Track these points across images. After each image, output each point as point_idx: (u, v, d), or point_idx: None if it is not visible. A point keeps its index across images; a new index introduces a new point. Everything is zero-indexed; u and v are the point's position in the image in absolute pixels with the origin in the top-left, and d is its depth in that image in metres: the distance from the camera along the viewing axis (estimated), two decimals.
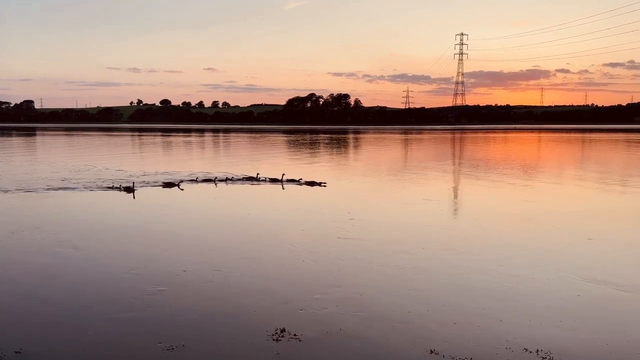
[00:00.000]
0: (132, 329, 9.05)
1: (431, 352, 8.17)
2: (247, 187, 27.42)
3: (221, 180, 28.81)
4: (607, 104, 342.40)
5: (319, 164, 42.87)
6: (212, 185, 27.94)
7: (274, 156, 53.23)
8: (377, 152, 61.67)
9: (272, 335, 8.80)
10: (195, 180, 28.84)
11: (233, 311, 9.85)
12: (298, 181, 28.07)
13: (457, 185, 30.00)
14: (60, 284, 11.37)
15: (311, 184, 27.34)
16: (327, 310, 9.87)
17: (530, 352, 8.14)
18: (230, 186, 27.65)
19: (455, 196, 25.74)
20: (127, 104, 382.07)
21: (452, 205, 22.78)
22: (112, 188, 25.89)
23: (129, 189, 25.15)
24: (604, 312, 9.88)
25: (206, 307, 10.02)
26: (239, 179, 29.52)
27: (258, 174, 30.21)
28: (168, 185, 27.21)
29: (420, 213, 20.19)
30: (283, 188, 26.69)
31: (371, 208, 21.27)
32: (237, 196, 24.72)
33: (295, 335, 8.78)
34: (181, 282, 11.51)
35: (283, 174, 29.05)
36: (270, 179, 29.12)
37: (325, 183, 27.39)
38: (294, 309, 9.94)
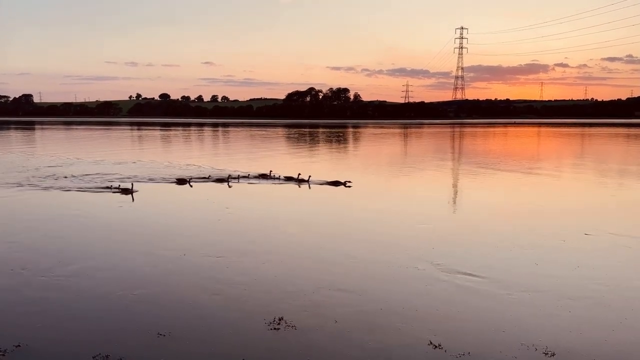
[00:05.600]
0: (129, 319, 9.09)
1: (434, 346, 8.17)
2: (261, 186, 25.67)
3: (233, 178, 27.41)
4: (606, 98, 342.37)
5: (328, 161, 42.87)
6: (221, 181, 26.77)
7: (280, 152, 53.18)
8: (385, 147, 61.65)
9: (270, 323, 8.85)
10: (207, 178, 27.41)
11: (233, 300, 9.87)
12: (307, 180, 26.37)
13: (466, 181, 30.04)
14: (57, 281, 11.37)
15: (335, 183, 25.54)
16: (327, 303, 9.90)
17: (528, 347, 8.15)
18: (242, 184, 26.17)
19: (459, 192, 25.76)
20: (126, 98, 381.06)
21: (456, 200, 22.80)
22: (109, 188, 23.96)
23: (127, 191, 23.04)
24: (604, 309, 9.87)
25: (207, 296, 10.05)
26: (254, 177, 28.02)
27: (271, 171, 28.75)
28: (180, 182, 26.25)
29: (428, 209, 20.20)
30: (299, 187, 25.23)
31: (386, 205, 21.31)
32: (251, 195, 23.95)
33: (293, 325, 8.79)
34: (180, 272, 11.53)
35: (299, 174, 27.29)
36: (285, 177, 27.67)
37: (350, 182, 25.45)
38: (294, 300, 9.96)
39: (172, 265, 12.19)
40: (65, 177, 28.31)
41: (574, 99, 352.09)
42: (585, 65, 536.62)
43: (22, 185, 25.26)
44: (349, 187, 24.69)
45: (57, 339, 8.37)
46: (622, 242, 14.44)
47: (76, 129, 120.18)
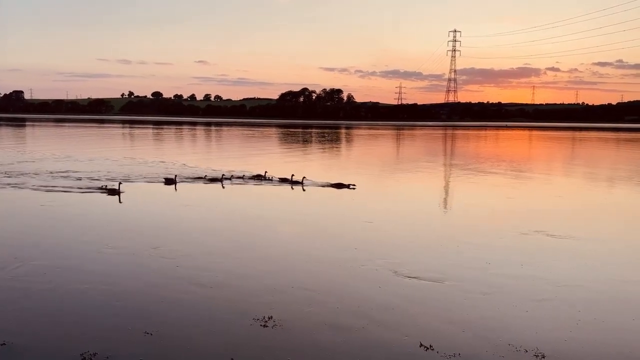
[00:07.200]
0: (112, 317, 8.98)
1: (425, 348, 8.16)
2: (254, 187, 24.93)
3: (226, 179, 26.60)
4: (597, 102, 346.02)
5: (324, 162, 42.85)
6: (214, 181, 26.20)
7: (274, 153, 53.12)
8: (379, 149, 61.78)
9: (260, 321, 8.82)
10: (202, 178, 26.87)
11: (221, 299, 9.80)
12: (301, 182, 25.56)
13: (455, 184, 30.20)
14: (36, 277, 11.22)
15: (338, 186, 24.81)
16: (319, 303, 9.86)
17: (517, 349, 8.16)
18: (235, 185, 25.44)
19: (446, 194, 25.88)
20: (118, 95, 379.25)
21: (447, 200, 22.87)
22: (97, 189, 22.89)
23: (114, 191, 22.01)
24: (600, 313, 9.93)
25: (193, 295, 9.96)
26: (248, 178, 27.33)
27: (266, 172, 27.91)
28: (168, 182, 25.42)
29: (419, 209, 20.22)
30: (293, 189, 24.51)
31: (386, 208, 21.33)
32: (243, 196, 23.74)
33: (282, 324, 8.76)
34: (165, 270, 11.45)
35: (292, 175, 26.40)
36: (280, 178, 26.84)
37: (354, 185, 24.65)
38: (284, 299, 9.91)
39: (156, 264, 12.08)
40: (54, 175, 28.02)
41: (565, 102, 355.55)
42: (576, 69, 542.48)
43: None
44: (353, 189, 24.14)
45: (43, 337, 8.27)
46: (560, 242, 14.64)
47: (67, 126, 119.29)
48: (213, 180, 26.59)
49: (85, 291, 10.25)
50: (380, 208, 19.95)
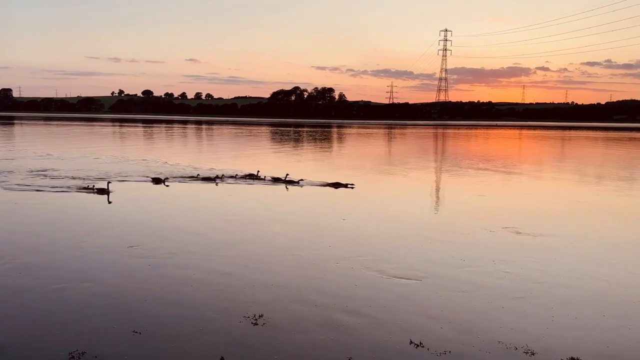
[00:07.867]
0: (100, 316, 8.91)
1: (415, 346, 8.18)
2: (247, 187, 24.61)
3: (218, 178, 26.32)
4: (586, 102, 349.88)
5: (317, 161, 42.79)
6: (203, 181, 25.97)
7: (265, 151, 52.99)
8: (371, 148, 61.82)
9: (249, 320, 8.81)
10: (196, 177, 26.66)
11: (210, 298, 9.77)
12: (298, 182, 25.54)
13: (445, 183, 30.27)
14: (20, 277, 11.13)
15: (335, 185, 24.63)
16: (310, 302, 9.87)
17: (507, 346, 8.20)
18: (227, 185, 25.09)
19: (442, 193, 25.96)
20: (108, 94, 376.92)
21: (438, 200, 22.95)
22: (86, 189, 22.45)
23: (103, 191, 21.69)
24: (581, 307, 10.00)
25: (181, 294, 9.92)
26: (239, 177, 27.04)
27: (258, 171, 27.74)
28: (156, 181, 25.24)
29: (414, 209, 20.27)
30: (287, 189, 24.25)
31: (376, 207, 21.34)
32: (237, 195, 23.78)
33: (273, 322, 8.75)
34: (155, 270, 11.39)
35: (287, 174, 26.31)
36: (272, 178, 26.61)
37: (352, 185, 24.70)
38: (274, 297, 9.90)
39: (144, 263, 12.01)
40: (41, 174, 27.73)
41: (554, 102, 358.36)
42: (565, 69, 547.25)
43: None
44: (352, 189, 24.03)
45: (29, 336, 8.18)
46: (534, 240, 14.80)
47: (56, 124, 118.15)
48: (205, 179, 26.41)
49: (73, 290, 10.16)
50: (377, 208, 19.92)
